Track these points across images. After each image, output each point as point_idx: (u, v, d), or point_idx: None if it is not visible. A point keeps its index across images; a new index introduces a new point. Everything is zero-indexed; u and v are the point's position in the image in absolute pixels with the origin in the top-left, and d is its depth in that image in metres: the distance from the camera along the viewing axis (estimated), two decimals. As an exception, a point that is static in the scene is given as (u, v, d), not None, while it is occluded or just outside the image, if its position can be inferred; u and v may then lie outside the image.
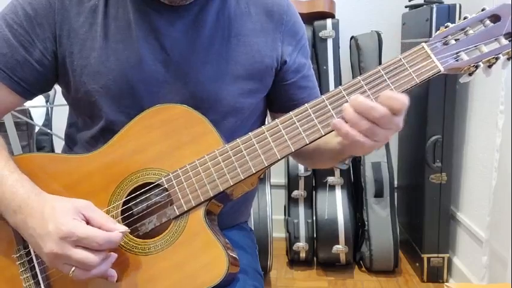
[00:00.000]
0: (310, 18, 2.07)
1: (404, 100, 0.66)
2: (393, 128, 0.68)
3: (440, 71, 0.69)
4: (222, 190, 0.72)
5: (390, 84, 0.69)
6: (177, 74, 0.82)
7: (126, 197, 0.75)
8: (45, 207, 0.69)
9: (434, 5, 1.81)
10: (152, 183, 0.75)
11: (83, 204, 0.70)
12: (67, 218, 0.67)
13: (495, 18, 0.69)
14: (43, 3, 0.80)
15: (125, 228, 0.70)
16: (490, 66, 0.70)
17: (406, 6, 2.11)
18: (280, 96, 0.91)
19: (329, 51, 2.08)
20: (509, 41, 0.68)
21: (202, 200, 0.73)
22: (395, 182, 2.18)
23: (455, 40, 0.70)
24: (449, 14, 1.79)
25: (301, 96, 0.90)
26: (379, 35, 2.07)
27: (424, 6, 1.92)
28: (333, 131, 0.70)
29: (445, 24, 0.71)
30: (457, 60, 0.69)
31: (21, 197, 0.71)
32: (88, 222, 0.69)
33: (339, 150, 0.78)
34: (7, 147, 0.81)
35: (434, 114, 1.90)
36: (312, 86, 0.93)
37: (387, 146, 2.12)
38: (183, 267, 0.72)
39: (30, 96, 0.84)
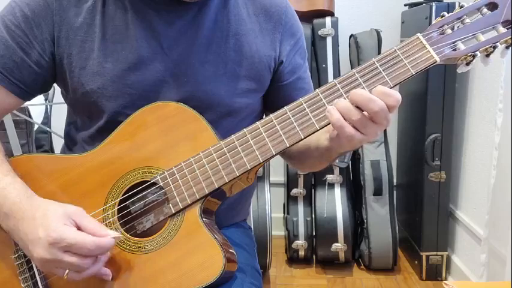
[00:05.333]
0: (309, 16, 2.07)
1: (398, 97, 0.65)
2: (384, 124, 0.67)
3: (436, 62, 0.67)
4: (217, 187, 0.72)
5: (385, 76, 0.67)
6: (175, 74, 0.81)
7: (122, 196, 0.75)
8: (36, 211, 0.69)
9: (433, 3, 1.82)
10: (148, 181, 0.75)
11: (75, 211, 0.69)
12: (58, 223, 0.67)
13: (492, 6, 0.67)
14: (41, 4, 0.79)
15: (117, 234, 0.70)
16: (487, 55, 0.68)
17: (405, 5, 2.11)
18: (276, 96, 0.91)
19: (328, 50, 2.08)
20: (508, 28, 0.66)
21: (198, 197, 0.72)
22: (395, 180, 2.18)
23: (452, 29, 0.67)
24: (448, 11, 1.79)
25: (297, 98, 0.89)
26: (378, 33, 2.07)
27: (423, 4, 1.92)
28: (327, 125, 0.69)
29: (441, 14, 0.69)
30: (453, 50, 0.67)
31: (13, 201, 0.71)
32: (79, 229, 0.68)
33: (327, 147, 0.77)
34: (5, 147, 0.80)
35: (433, 112, 1.90)
36: (308, 88, 0.93)
37: (386, 144, 2.12)
38: (179, 265, 0.72)
39: (28, 97, 0.84)
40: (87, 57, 0.80)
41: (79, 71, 0.80)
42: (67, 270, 0.67)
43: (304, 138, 0.70)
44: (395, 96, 0.65)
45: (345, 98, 0.68)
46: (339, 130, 0.67)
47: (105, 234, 0.68)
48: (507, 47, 0.67)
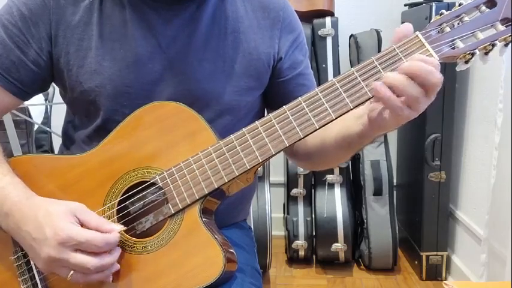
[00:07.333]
0: (309, 16, 2.07)
1: (434, 61, 0.64)
2: (431, 98, 0.66)
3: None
4: (216, 187, 0.72)
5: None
6: (173, 72, 0.81)
7: (121, 196, 0.75)
8: (38, 211, 0.68)
9: (433, 3, 1.82)
10: (147, 181, 0.75)
11: (77, 207, 0.69)
12: (64, 222, 0.66)
13: (491, 3, 0.66)
14: (38, 3, 0.79)
15: (120, 227, 0.70)
16: (486, 53, 0.67)
17: (405, 5, 2.11)
18: (277, 94, 0.91)
19: (328, 50, 2.08)
20: (506, 26, 0.65)
21: (197, 197, 0.72)
22: (395, 180, 2.18)
23: (450, 28, 0.67)
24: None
25: (298, 95, 0.89)
26: (378, 33, 2.07)
27: (423, 4, 1.92)
28: (326, 124, 0.69)
29: (440, 12, 0.69)
30: (452, 48, 0.67)
31: (12, 200, 0.70)
32: (82, 225, 0.68)
33: (360, 134, 0.73)
34: (5, 147, 0.80)
35: (434, 112, 1.90)
36: (310, 85, 0.92)
37: (386, 144, 2.12)
38: (179, 265, 0.72)
39: (27, 96, 0.84)
40: (84, 55, 0.80)
41: (77, 70, 0.80)
42: (71, 272, 0.66)
43: (304, 137, 0.70)
44: (433, 61, 0.64)
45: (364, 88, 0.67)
46: (392, 107, 0.65)
47: (110, 229, 0.68)
48: (506, 45, 0.67)
